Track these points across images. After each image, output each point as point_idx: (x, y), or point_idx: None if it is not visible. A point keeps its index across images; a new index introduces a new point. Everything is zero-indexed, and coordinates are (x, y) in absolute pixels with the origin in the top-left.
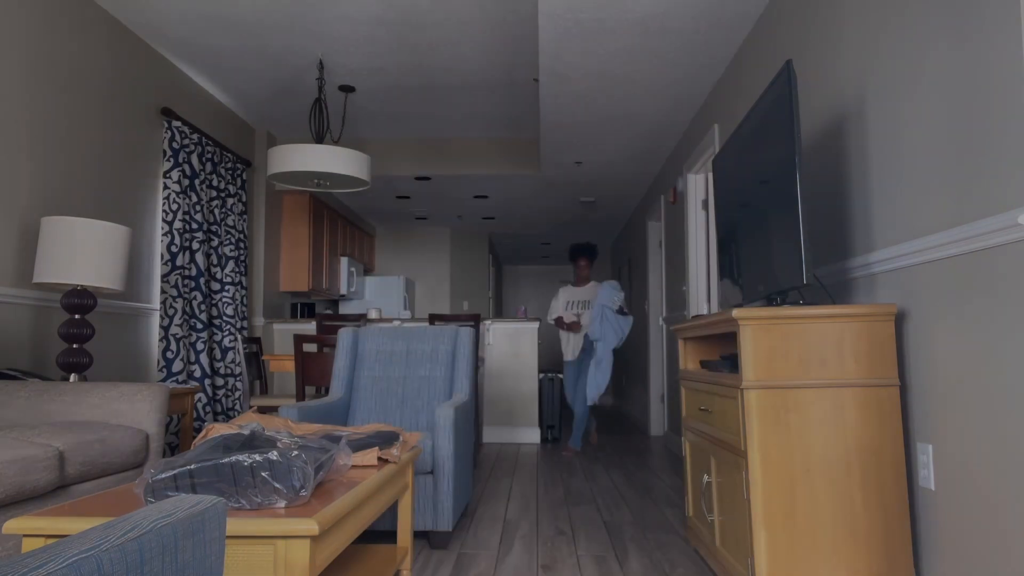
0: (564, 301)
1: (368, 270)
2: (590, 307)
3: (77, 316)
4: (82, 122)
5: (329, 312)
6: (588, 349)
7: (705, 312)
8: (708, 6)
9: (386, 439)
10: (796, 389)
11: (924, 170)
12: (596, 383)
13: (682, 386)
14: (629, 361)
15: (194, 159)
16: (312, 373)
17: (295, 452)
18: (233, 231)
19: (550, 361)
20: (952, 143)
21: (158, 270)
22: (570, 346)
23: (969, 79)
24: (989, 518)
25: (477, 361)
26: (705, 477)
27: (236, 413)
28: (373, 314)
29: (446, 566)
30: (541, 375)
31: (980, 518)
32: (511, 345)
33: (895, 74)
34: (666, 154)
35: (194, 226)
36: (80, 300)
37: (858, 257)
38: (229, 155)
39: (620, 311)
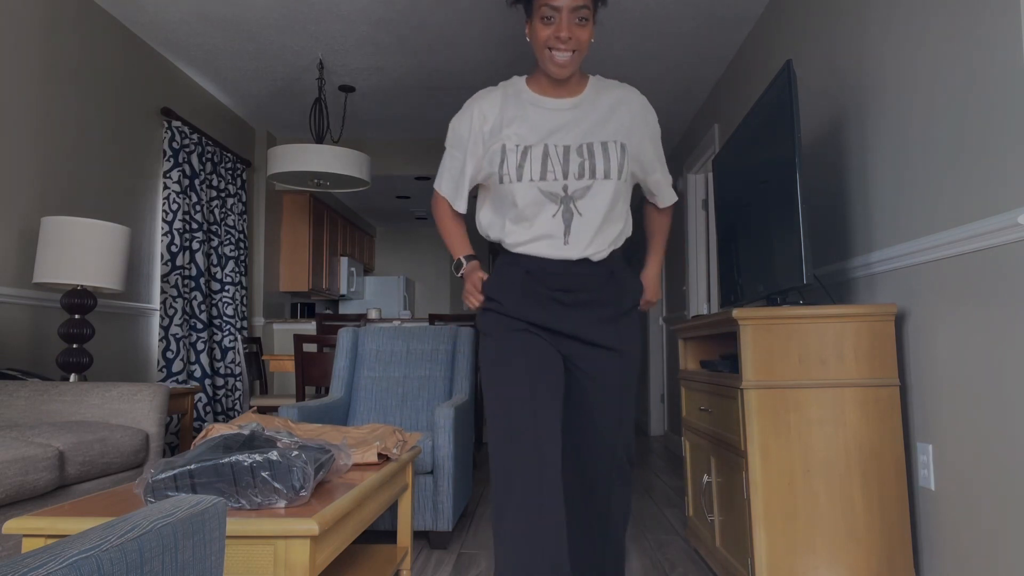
0: (514, 140)
1: (368, 270)
2: (619, 152)
3: (77, 316)
4: (82, 122)
5: (329, 312)
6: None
7: (705, 312)
8: (708, 6)
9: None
10: (796, 389)
11: (924, 170)
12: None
13: (682, 386)
14: None
15: (194, 159)
16: (312, 373)
17: (295, 452)
18: (233, 231)
19: None
20: (952, 143)
21: (158, 270)
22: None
23: (969, 79)
24: (989, 518)
25: (477, 361)
26: (705, 477)
27: (236, 413)
28: (373, 314)
29: (446, 566)
30: None
31: (980, 518)
32: None
33: (895, 74)
34: (666, 154)
35: (194, 226)
36: (80, 300)
37: (858, 257)
38: (229, 155)
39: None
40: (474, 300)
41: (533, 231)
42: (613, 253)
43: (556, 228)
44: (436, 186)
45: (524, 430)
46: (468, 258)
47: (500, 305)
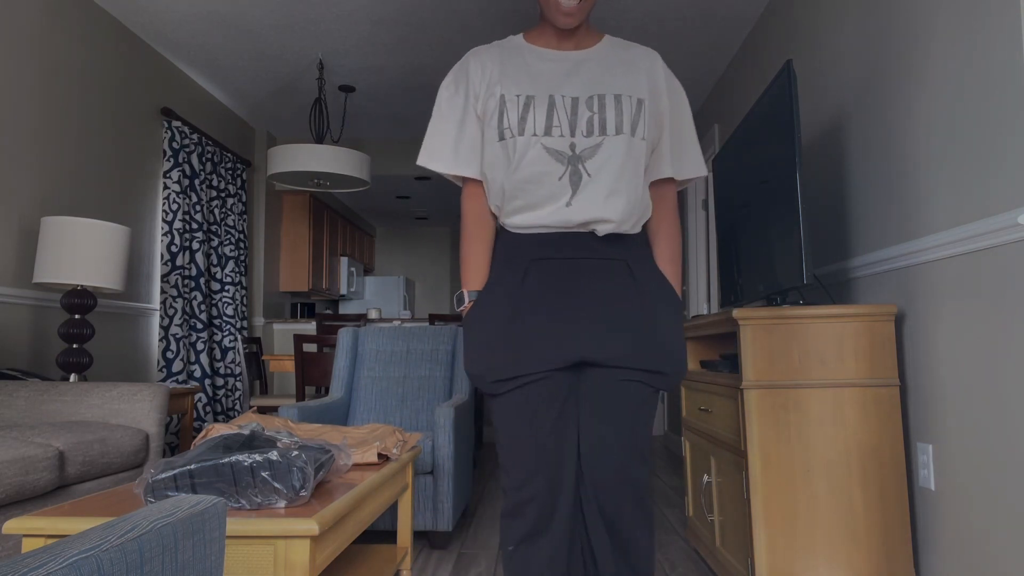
0: (514, 91)
1: (368, 270)
2: (633, 107)
3: (77, 316)
4: (82, 122)
5: (329, 312)
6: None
7: (705, 312)
8: (708, 6)
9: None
10: (796, 389)
11: (924, 170)
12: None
13: (682, 386)
14: None
15: (194, 159)
16: (312, 373)
17: (295, 452)
18: (233, 231)
19: None
20: (952, 143)
21: (158, 270)
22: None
23: (969, 78)
24: (989, 518)
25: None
26: (705, 477)
27: (236, 413)
28: (373, 314)
29: (446, 566)
30: None
31: (980, 518)
32: None
33: (895, 73)
34: None
35: (194, 226)
36: (80, 300)
37: (858, 257)
38: (229, 155)
39: None
40: None
41: (535, 196)
42: (628, 239)
43: (561, 191)
44: (448, 170)
45: (543, 520)
46: (475, 294)
47: (489, 363)
